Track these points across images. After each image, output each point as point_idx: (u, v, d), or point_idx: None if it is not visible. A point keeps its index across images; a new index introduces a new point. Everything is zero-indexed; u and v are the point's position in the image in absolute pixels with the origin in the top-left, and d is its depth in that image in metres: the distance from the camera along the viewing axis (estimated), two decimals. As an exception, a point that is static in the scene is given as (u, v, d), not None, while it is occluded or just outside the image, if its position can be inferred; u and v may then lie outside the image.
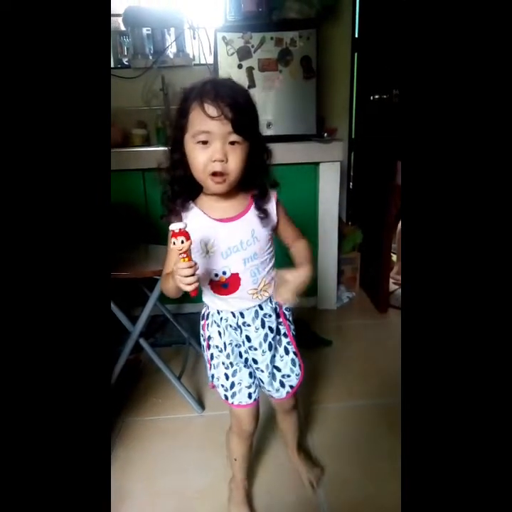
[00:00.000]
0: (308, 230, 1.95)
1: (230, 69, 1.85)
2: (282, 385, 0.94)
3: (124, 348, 1.41)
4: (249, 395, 0.91)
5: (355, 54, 2.23)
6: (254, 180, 0.81)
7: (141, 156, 1.81)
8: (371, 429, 1.30)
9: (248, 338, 0.89)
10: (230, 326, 0.88)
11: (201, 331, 0.94)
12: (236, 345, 0.90)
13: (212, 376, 0.94)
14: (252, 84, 1.85)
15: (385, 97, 1.89)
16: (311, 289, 2.09)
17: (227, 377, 0.91)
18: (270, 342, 0.90)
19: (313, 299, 2.10)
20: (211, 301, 0.89)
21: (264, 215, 0.82)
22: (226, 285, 0.84)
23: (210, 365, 0.93)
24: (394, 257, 2.52)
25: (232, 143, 0.72)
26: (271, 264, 0.88)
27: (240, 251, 0.81)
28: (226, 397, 0.92)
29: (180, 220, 0.78)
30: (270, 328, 0.90)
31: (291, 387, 0.95)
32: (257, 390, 0.93)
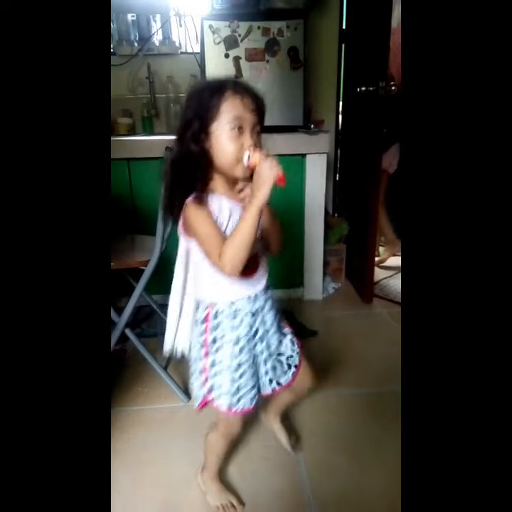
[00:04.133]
0: (295, 222, 1.96)
1: (216, 58, 1.83)
2: (289, 367, 0.98)
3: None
4: (252, 398, 0.91)
5: (342, 45, 2.23)
6: None
7: (126, 145, 1.79)
8: (357, 418, 1.33)
9: (264, 322, 0.92)
10: (246, 314, 0.88)
11: (198, 338, 0.90)
12: (247, 341, 0.90)
13: (212, 387, 0.89)
14: (239, 74, 1.84)
15: (371, 89, 1.90)
16: (297, 279, 2.10)
17: (232, 382, 0.88)
18: (277, 324, 0.96)
19: (299, 290, 2.12)
20: (224, 293, 0.87)
21: None
22: (250, 265, 0.83)
23: (209, 374, 0.89)
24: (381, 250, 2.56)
25: (258, 133, 0.82)
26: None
27: None
28: (230, 406, 0.89)
29: (205, 204, 0.81)
30: (275, 309, 0.96)
31: (295, 366, 0.99)
32: (257, 394, 0.94)
